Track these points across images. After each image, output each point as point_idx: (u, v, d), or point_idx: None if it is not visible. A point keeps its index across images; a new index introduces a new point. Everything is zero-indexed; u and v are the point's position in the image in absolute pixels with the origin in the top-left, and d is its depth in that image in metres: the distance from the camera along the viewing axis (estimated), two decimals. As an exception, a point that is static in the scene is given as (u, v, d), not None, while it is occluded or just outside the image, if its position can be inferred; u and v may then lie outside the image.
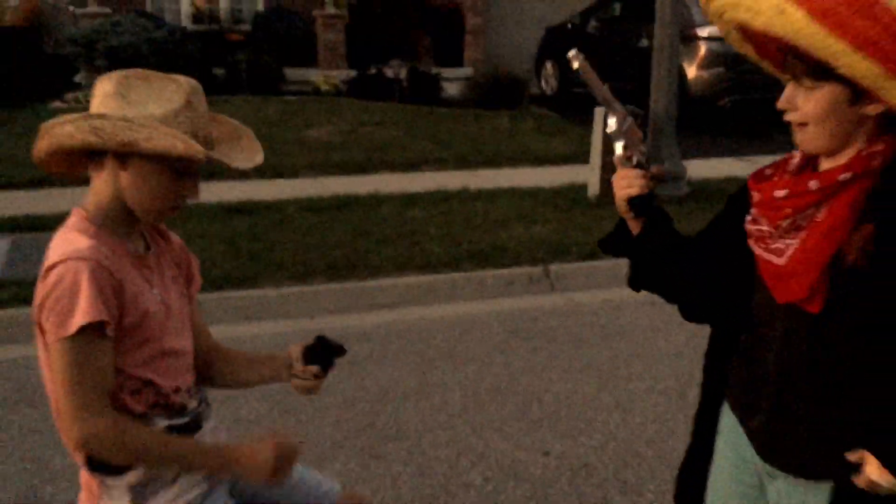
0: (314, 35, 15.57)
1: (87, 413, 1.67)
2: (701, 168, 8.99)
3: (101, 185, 1.79)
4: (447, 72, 14.86)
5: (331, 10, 15.62)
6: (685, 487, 2.01)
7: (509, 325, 5.35)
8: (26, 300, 5.27)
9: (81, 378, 1.66)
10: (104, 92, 1.74)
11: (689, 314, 1.95)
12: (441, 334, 5.15)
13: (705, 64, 11.58)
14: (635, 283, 1.97)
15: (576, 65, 1.79)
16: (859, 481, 1.62)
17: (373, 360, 4.74)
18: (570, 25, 14.25)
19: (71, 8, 18.63)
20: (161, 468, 1.78)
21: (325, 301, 5.67)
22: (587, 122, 7.97)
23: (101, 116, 1.69)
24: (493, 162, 9.69)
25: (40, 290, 1.68)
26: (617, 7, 13.93)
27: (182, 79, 1.79)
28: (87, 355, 1.66)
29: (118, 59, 12.73)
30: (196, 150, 1.69)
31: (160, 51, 12.94)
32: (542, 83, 15.12)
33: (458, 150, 10.04)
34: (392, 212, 7.30)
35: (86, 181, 1.88)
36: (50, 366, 1.71)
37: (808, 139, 1.64)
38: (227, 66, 13.83)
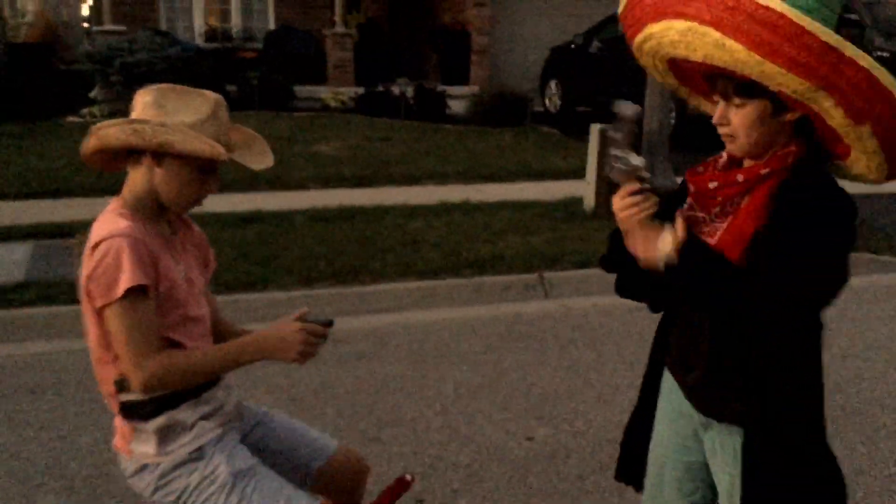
0: (324, 53, 15.99)
1: (143, 360, 2.00)
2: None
3: (138, 179, 2.13)
4: (453, 90, 15.25)
5: (340, 29, 16.05)
6: (631, 442, 2.33)
7: (503, 327, 5.67)
8: (48, 299, 5.66)
9: (134, 332, 2.00)
10: (144, 102, 2.09)
11: (657, 308, 2.27)
12: (438, 335, 5.47)
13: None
14: (623, 290, 2.28)
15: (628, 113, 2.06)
16: None
17: (373, 357, 5.07)
18: (573, 45, 14.62)
19: (86, 25, 19.10)
20: (213, 375, 2.12)
21: (329, 304, 6.00)
22: (587, 138, 8.30)
23: (142, 122, 2.04)
24: (495, 177, 10.04)
25: (88, 264, 2.01)
26: (619, 28, 14.29)
27: (209, 93, 2.14)
28: (136, 312, 2.00)
29: (133, 75, 13.14)
30: (219, 151, 2.03)
31: (174, 68, 13.34)
32: (546, 101, 15.49)
33: (461, 165, 10.40)
34: (395, 222, 7.65)
35: (102, 192, 2.20)
36: (98, 324, 2.04)
37: (738, 147, 1.99)
38: (238, 83, 14.23)
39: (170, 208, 2.17)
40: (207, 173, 2.14)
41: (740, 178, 1.97)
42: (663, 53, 1.99)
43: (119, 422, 2.17)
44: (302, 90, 14.95)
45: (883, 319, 5.90)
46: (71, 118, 12.88)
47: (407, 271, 6.42)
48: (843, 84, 1.76)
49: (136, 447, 2.13)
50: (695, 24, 1.81)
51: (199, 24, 16.69)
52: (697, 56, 1.87)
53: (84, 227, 2.09)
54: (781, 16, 1.70)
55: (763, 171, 1.95)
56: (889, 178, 2.02)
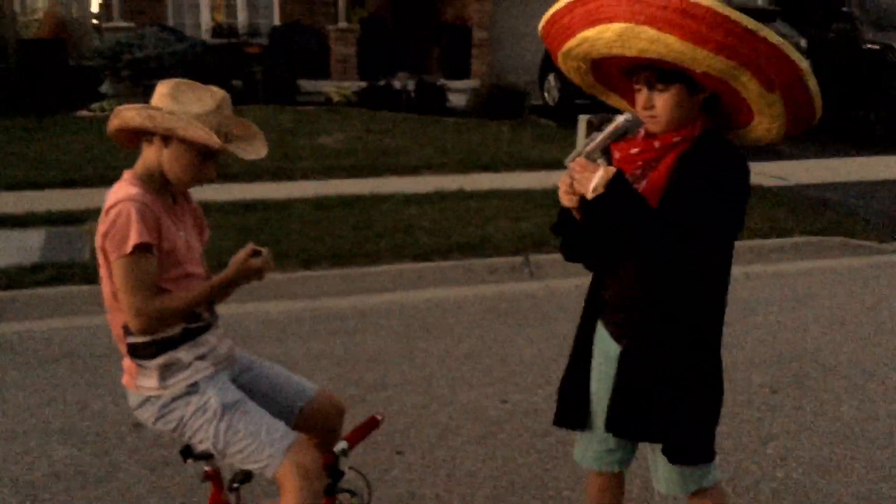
0: (328, 48, 16.31)
1: (143, 306, 2.36)
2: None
3: (150, 155, 2.49)
4: (453, 83, 15.56)
5: (344, 24, 16.37)
6: (566, 389, 2.70)
7: (488, 305, 6.02)
8: (61, 280, 6.04)
9: (136, 283, 2.36)
10: (161, 92, 2.46)
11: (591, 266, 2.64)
12: (427, 312, 5.83)
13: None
14: (566, 251, 2.64)
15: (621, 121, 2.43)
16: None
17: (365, 331, 5.43)
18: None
19: (96, 21, 19.49)
20: (198, 306, 2.51)
21: (326, 285, 6.36)
22: (580, 129, 8.65)
23: (156, 108, 2.41)
24: (491, 167, 10.37)
25: (103, 225, 2.37)
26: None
27: (216, 90, 2.51)
28: (139, 266, 2.36)
29: (141, 70, 13.51)
30: (214, 141, 2.40)
31: (181, 63, 13.69)
32: (545, 94, 15.80)
33: (458, 156, 10.74)
34: (391, 209, 8.01)
35: (111, 182, 2.56)
36: (111, 277, 2.40)
37: (659, 125, 2.37)
38: (244, 77, 14.57)
39: (173, 184, 2.53)
40: (207, 158, 2.50)
41: (657, 144, 2.39)
42: (595, 54, 2.35)
43: (127, 361, 2.53)
44: (306, 84, 15.29)
45: (850, 298, 6.23)
46: (82, 112, 13.26)
47: (400, 254, 6.78)
48: (760, 59, 2.16)
49: (141, 382, 2.50)
50: (631, 25, 2.17)
51: (205, 20, 17.04)
52: (632, 52, 2.24)
53: (94, 214, 2.45)
54: (707, 9, 2.08)
55: (675, 139, 2.37)
56: (785, 136, 2.42)
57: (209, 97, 2.47)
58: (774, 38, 2.13)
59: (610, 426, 2.53)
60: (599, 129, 2.44)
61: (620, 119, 2.37)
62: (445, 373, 4.79)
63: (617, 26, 2.19)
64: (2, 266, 6.22)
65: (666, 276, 2.36)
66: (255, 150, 2.63)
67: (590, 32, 2.28)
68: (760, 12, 13.89)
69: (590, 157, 2.32)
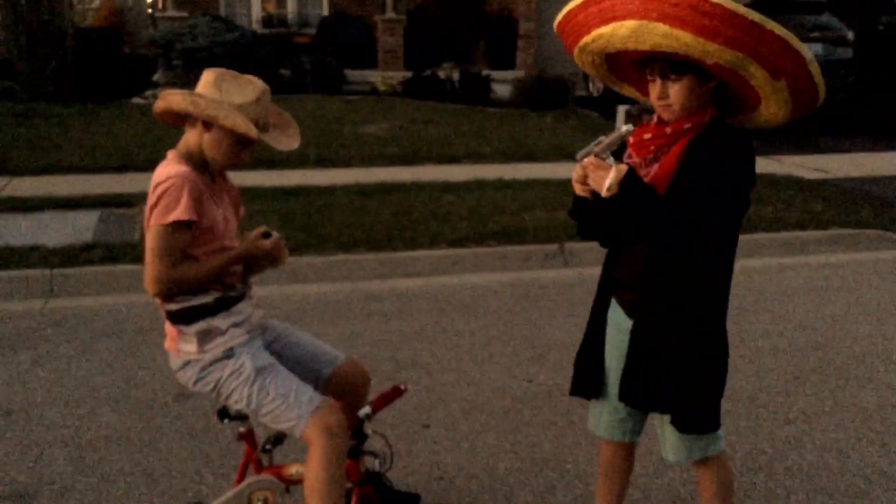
0: (375, 39, 16.55)
1: (162, 275, 2.56)
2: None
3: (192, 137, 2.69)
4: (497, 74, 15.69)
5: (391, 15, 16.58)
6: (581, 362, 2.85)
7: (521, 291, 6.17)
8: (112, 259, 6.32)
9: (164, 252, 2.56)
10: (206, 80, 2.65)
11: (606, 244, 2.79)
12: (460, 296, 6.00)
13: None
14: (582, 233, 2.81)
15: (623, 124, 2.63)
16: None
17: (400, 313, 5.62)
18: (616, 31, 14.94)
19: (150, 11, 19.95)
20: (215, 276, 2.67)
21: (364, 269, 6.56)
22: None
23: (200, 96, 2.60)
24: (531, 157, 10.50)
25: (152, 198, 2.57)
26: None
27: (258, 81, 2.69)
28: (173, 238, 2.56)
29: (193, 59, 13.87)
30: (252, 131, 2.59)
31: (232, 52, 14.02)
32: (590, 85, 15.87)
33: (500, 146, 10.88)
34: (430, 197, 8.18)
35: None
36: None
37: (672, 114, 2.52)
38: (293, 66, 14.87)
39: (211, 165, 2.72)
40: (244, 146, 2.69)
41: (668, 130, 2.54)
42: (610, 49, 2.51)
43: (168, 326, 2.74)
44: (353, 74, 15.54)
45: (882, 290, 6.26)
46: (135, 100, 13.66)
47: (437, 240, 6.95)
48: (766, 50, 2.32)
49: (182, 346, 2.71)
50: (644, 22, 2.33)
51: (256, 10, 17.37)
52: (646, 46, 2.39)
53: (145, 198, 2.66)
54: (717, 5, 2.24)
55: (686, 126, 2.52)
56: (791, 119, 2.56)
57: (251, 89, 2.66)
58: (780, 30, 2.28)
59: (622, 396, 2.68)
60: (639, 118, 2.60)
61: (623, 129, 2.52)
62: (475, 353, 4.95)
63: (631, 23, 2.33)
64: (56, 245, 6.53)
65: (673, 257, 2.51)
66: (288, 141, 2.81)
67: (605, 29, 2.42)
68: (808, 5, 13.80)
69: (598, 156, 2.47)
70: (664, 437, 2.74)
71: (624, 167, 2.42)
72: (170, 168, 2.62)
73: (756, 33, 2.27)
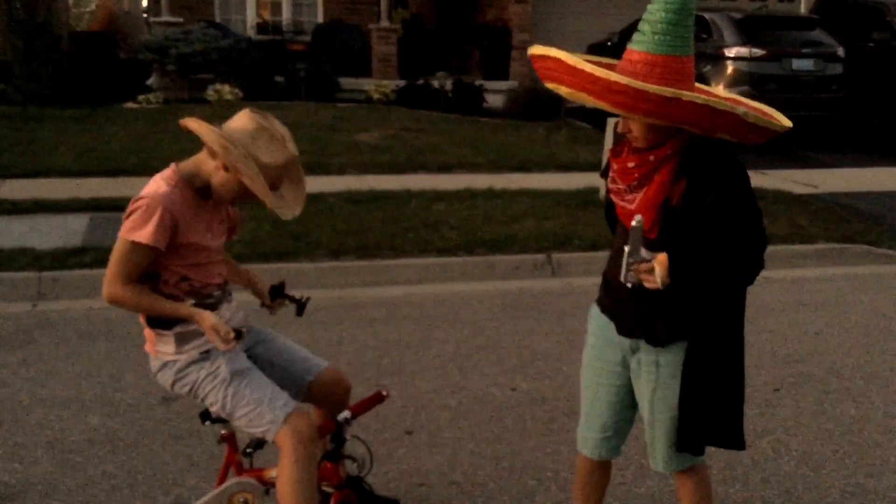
0: (369, 47, 16.59)
1: (116, 283, 2.63)
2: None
3: (207, 165, 2.70)
4: (491, 84, 15.75)
5: (386, 24, 16.64)
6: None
7: (509, 300, 6.22)
8: (102, 263, 6.29)
9: (122, 265, 2.62)
10: (244, 127, 2.65)
11: None
12: (447, 305, 6.05)
13: (732, 82, 12.29)
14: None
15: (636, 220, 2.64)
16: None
17: (386, 321, 5.66)
18: (609, 43, 15.05)
19: (145, 16, 20.00)
20: (157, 315, 2.73)
21: (353, 276, 6.61)
22: (612, 133, 8.79)
23: (233, 143, 2.61)
24: (523, 167, 10.55)
25: (130, 208, 2.62)
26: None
27: (290, 145, 2.72)
28: (132, 254, 2.61)
29: (188, 65, 13.89)
30: (268, 199, 2.65)
31: (226, 59, 14.05)
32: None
33: (491, 156, 10.93)
34: (420, 205, 8.23)
35: (153, 172, 2.79)
36: None
37: (642, 144, 2.56)
38: (287, 74, 14.89)
39: (214, 195, 2.76)
40: (248, 197, 2.72)
41: (652, 158, 2.55)
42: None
43: (147, 330, 2.79)
44: (347, 82, 15.57)
45: (866, 305, 6.32)
46: (129, 104, 13.68)
47: (426, 248, 6.99)
48: (690, 116, 2.37)
49: (160, 348, 2.76)
50: (573, 91, 2.43)
51: (251, 17, 17.41)
52: (588, 104, 2.47)
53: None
54: (626, 86, 2.29)
55: (668, 152, 2.53)
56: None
57: (281, 153, 2.68)
58: (699, 99, 2.30)
59: (681, 446, 2.72)
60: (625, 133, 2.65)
61: (635, 222, 2.47)
62: (460, 361, 5.00)
63: (564, 89, 2.46)
64: (47, 248, 6.55)
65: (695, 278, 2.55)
66: (292, 210, 2.84)
67: (550, 84, 2.52)
68: (800, 20, 13.91)
69: (636, 258, 2.48)
70: (655, 450, 2.78)
71: (663, 256, 2.46)
72: (156, 185, 2.66)
73: (675, 106, 2.31)
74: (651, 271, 2.45)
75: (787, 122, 2.48)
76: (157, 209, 2.59)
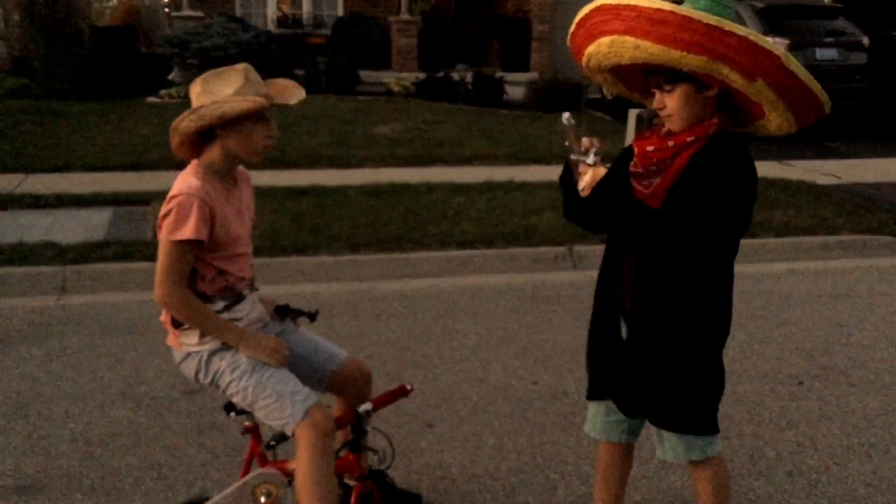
0: (389, 40, 16.60)
1: (169, 285, 2.64)
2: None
3: (214, 151, 2.73)
4: (511, 76, 15.70)
5: (405, 16, 16.62)
6: (594, 363, 2.87)
7: (529, 292, 6.20)
8: (124, 257, 6.38)
9: (172, 267, 2.63)
10: (196, 92, 2.70)
11: (595, 228, 2.83)
12: (468, 297, 6.04)
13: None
14: (567, 215, 2.85)
15: (565, 116, 2.69)
16: None
17: (407, 314, 5.66)
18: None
19: (167, 10, 20.07)
20: (201, 329, 2.74)
21: (373, 269, 6.61)
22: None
23: (200, 107, 2.64)
24: (543, 159, 10.50)
25: (165, 209, 2.64)
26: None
27: (238, 66, 2.73)
28: (180, 254, 2.63)
29: (209, 58, 13.92)
30: (261, 102, 2.65)
31: (247, 52, 14.07)
32: (603, 89, 15.84)
33: (511, 148, 10.91)
34: (440, 198, 8.22)
35: (175, 166, 2.80)
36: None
37: (673, 123, 2.55)
38: (307, 67, 14.92)
39: (250, 159, 2.77)
40: (264, 122, 2.73)
41: (670, 143, 2.54)
42: (605, 65, 2.56)
43: (170, 326, 2.81)
44: (367, 75, 15.58)
45: (890, 296, 6.26)
46: (151, 98, 13.74)
47: (446, 241, 6.99)
48: (731, 52, 2.33)
49: (183, 339, 2.78)
50: (616, 37, 2.41)
51: (271, 10, 17.45)
52: (625, 60, 2.47)
53: (158, 197, 2.72)
54: (671, 13, 2.27)
55: (689, 139, 2.52)
56: (798, 128, 2.56)
57: (235, 75, 2.70)
58: (741, 30, 2.28)
59: (620, 406, 2.73)
60: (650, 122, 2.66)
61: (563, 119, 2.67)
62: (481, 354, 4.99)
63: (606, 39, 2.43)
64: (70, 242, 6.60)
65: (662, 267, 2.54)
66: (295, 94, 2.83)
67: (591, 48, 2.52)
68: (823, 10, 13.76)
69: (578, 156, 2.63)
70: (661, 437, 2.76)
71: (601, 170, 2.49)
72: (185, 181, 2.67)
73: (717, 36, 2.28)
74: (583, 173, 2.63)
75: (826, 99, 2.47)
76: (195, 202, 2.61)
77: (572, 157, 2.67)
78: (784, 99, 2.43)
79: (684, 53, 2.32)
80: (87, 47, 14.40)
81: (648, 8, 2.28)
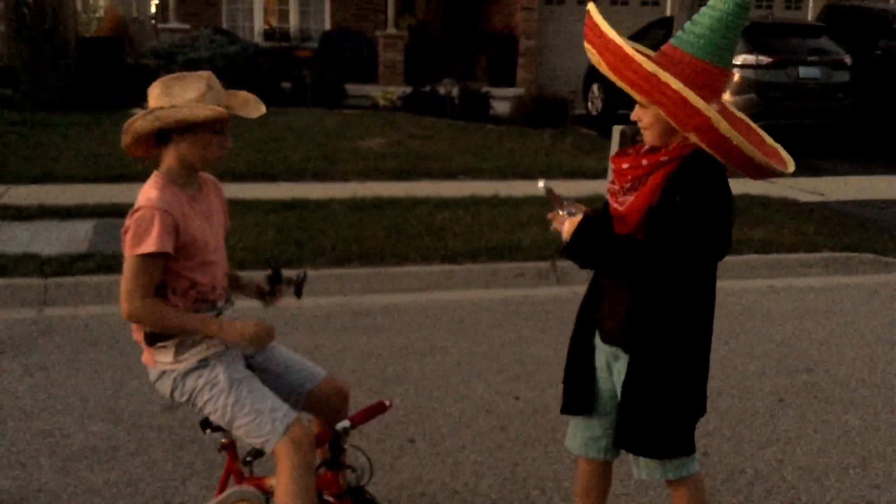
0: (376, 54, 16.65)
1: (135, 300, 2.61)
2: (732, 186, 9.70)
3: (169, 156, 2.73)
4: (497, 91, 15.77)
5: (392, 30, 16.68)
6: (571, 378, 2.88)
7: (512, 308, 6.21)
8: (107, 269, 6.35)
9: (137, 280, 2.61)
10: (155, 94, 2.68)
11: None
12: (451, 312, 6.04)
13: (738, 90, 12.29)
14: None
15: (541, 185, 2.75)
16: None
17: (390, 328, 5.65)
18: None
19: (153, 22, 20.05)
20: (180, 332, 2.70)
21: (356, 283, 6.60)
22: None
23: (158, 109, 2.63)
24: (528, 175, 10.52)
25: (128, 222, 2.62)
26: (660, 34, 14.68)
27: (202, 73, 2.72)
28: (145, 268, 2.61)
29: (195, 71, 13.94)
30: (220, 111, 2.64)
31: (234, 65, 14.09)
32: (589, 104, 15.93)
33: (497, 163, 10.94)
34: (424, 212, 8.23)
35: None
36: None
37: (650, 137, 2.56)
38: (294, 80, 14.93)
39: (202, 169, 2.76)
40: (220, 133, 2.72)
41: (644, 162, 2.56)
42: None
43: (144, 345, 2.79)
44: (353, 88, 15.61)
45: (872, 314, 6.30)
46: (136, 110, 13.65)
47: (430, 256, 6.99)
48: (665, 101, 2.36)
49: (158, 357, 2.75)
50: (588, 45, 2.49)
51: (258, 24, 17.48)
52: (601, 69, 2.51)
53: None
54: (618, 46, 2.36)
55: (663, 159, 2.53)
56: (756, 178, 2.58)
57: (198, 81, 2.68)
58: (675, 83, 2.30)
59: (618, 443, 2.74)
60: (634, 140, 2.70)
61: (540, 185, 2.76)
62: (463, 369, 4.99)
63: (587, 45, 2.50)
64: (51, 254, 6.57)
65: (643, 294, 2.56)
66: (255, 109, 2.82)
67: (586, 44, 2.55)
68: (806, 28, 13.88)
69: (558, 209, 2.67)
70: (636, 456, 2.77)
71: (577, 218, 2.56)
72: (145, 195, 2.66)
73: (652, 82, 2.33)
74: (560, 223, 2.64)
75: (783, 167, 2.50)
76: (156, 214, 2.59)
77: (549, 214, 2.72)
78: (722, 158, 2.45)
79: (626, 87, 2.41)
80: (73, 58, 14.35)
81: (606, 34, 2.37)
